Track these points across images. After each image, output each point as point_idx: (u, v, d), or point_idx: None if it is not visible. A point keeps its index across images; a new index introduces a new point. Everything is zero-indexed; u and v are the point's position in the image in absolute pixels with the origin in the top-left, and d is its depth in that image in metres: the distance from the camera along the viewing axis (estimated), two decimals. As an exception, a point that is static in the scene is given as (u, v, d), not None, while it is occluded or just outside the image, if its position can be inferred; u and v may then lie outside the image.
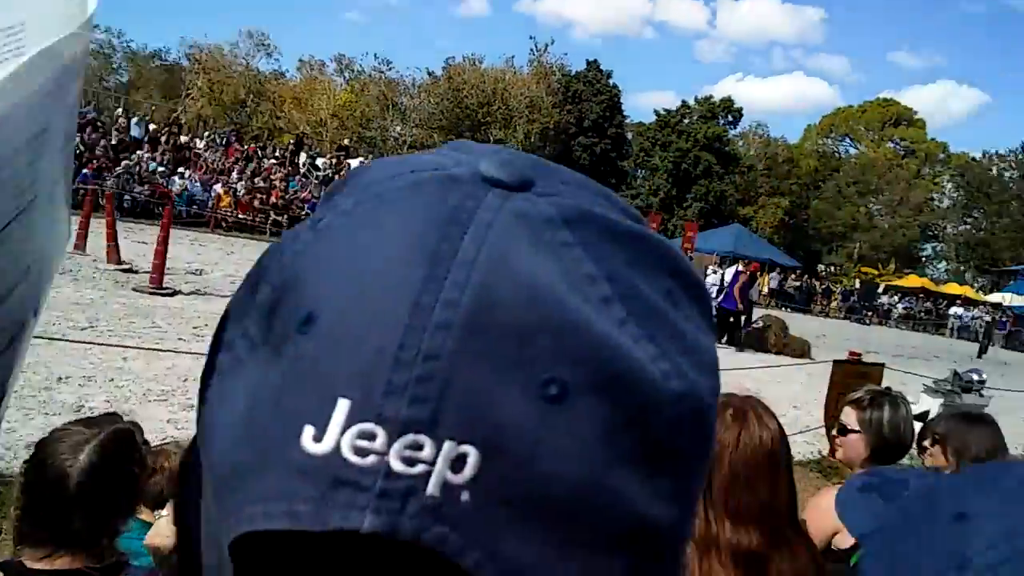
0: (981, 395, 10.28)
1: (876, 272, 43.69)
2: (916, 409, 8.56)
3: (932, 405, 9.77)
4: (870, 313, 33.91)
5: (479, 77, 43.07)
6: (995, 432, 2.49)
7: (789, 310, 28.82)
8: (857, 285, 38.32)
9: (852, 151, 59.91)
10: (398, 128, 45.60)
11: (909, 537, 0.56)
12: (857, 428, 2.41)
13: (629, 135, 51.17)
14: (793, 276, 34.95)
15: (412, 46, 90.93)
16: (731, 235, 35.74)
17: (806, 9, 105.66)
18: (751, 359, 13.26)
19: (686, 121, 48.71)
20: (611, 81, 47.39)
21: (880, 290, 37.09)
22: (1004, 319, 33.30)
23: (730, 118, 50.89)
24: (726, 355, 13.62)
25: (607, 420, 0.29)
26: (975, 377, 10.44)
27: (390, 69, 46.59)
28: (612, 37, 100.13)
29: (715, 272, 29.10)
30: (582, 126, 45.82)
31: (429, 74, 45.49)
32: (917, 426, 2.87)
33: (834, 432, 2.61)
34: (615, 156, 47.76)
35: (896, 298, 36.60)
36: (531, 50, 46.52)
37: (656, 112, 50.65)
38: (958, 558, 0.51)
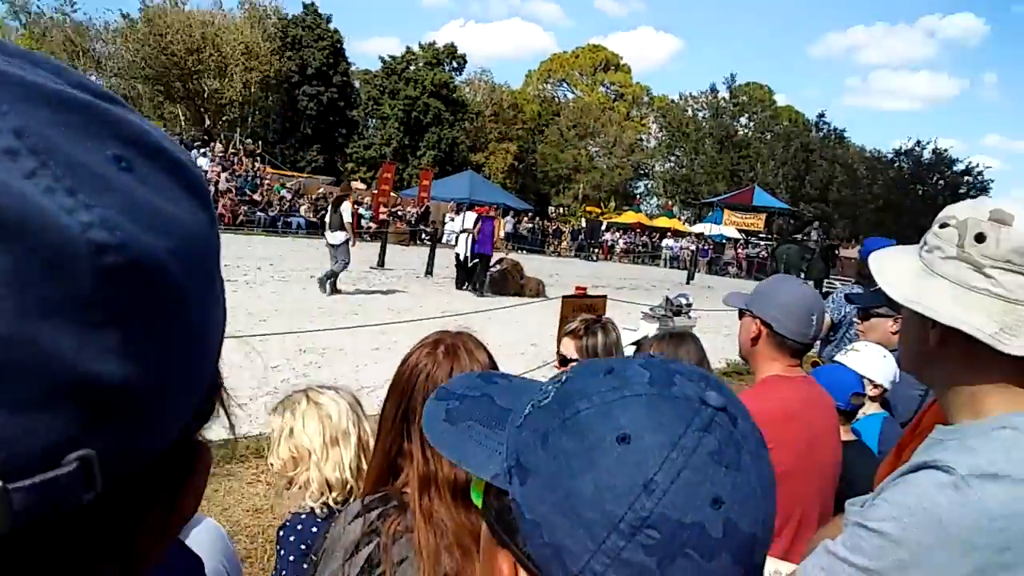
0: (689, 317, 11.10)
1: (599, 211, 46.75)
2: (637, 335, 8.88)
3: (649, 329, 10.33)
4: (596, 250, 36.14)
5: (184, 21, 38.81)
6: (699, 347, 2.71)
7: (525, 252, 29.77)
8: (583, 224, 40.67)
9: (570, 96, 63.27)
10: (93, 78, 40.08)
11: (581, 473, 0.54)
12: (576, 356, 2.55)
13: (356, 83, 49.58)
14: (526, 219, 36.17)
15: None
16: (465, 182, 36.13)
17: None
18: (492, 301, 13.35)
19: (412, 68, 48.09)
20: (331, 26, 45.31)
21: (604, 227, 39.67)
22: (706, 247, 37.20)
23: (455, 64, 51.10)
24: (468, 299, 13.71)
25: (10, 270, 0.28)
26: (683, 301, 11.25)
27: (75, 11, 40.73)
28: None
29: (452, 219, 29.32)
30: (305, 74, 43.47)
31: (124, 17, 40.31)
32: (630, 349, 3.22)
33: (557, 363, 2.73)
34: (343, 105, 46.03)
35: (618, 234, 39.34)
36: (240, -9, 42.95)
37: (382, 59, 49.60)
38: (642, 481, 0.52)
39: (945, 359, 1.16)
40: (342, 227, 12.52)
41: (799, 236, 19.77)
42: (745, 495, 0.53)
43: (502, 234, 29.07)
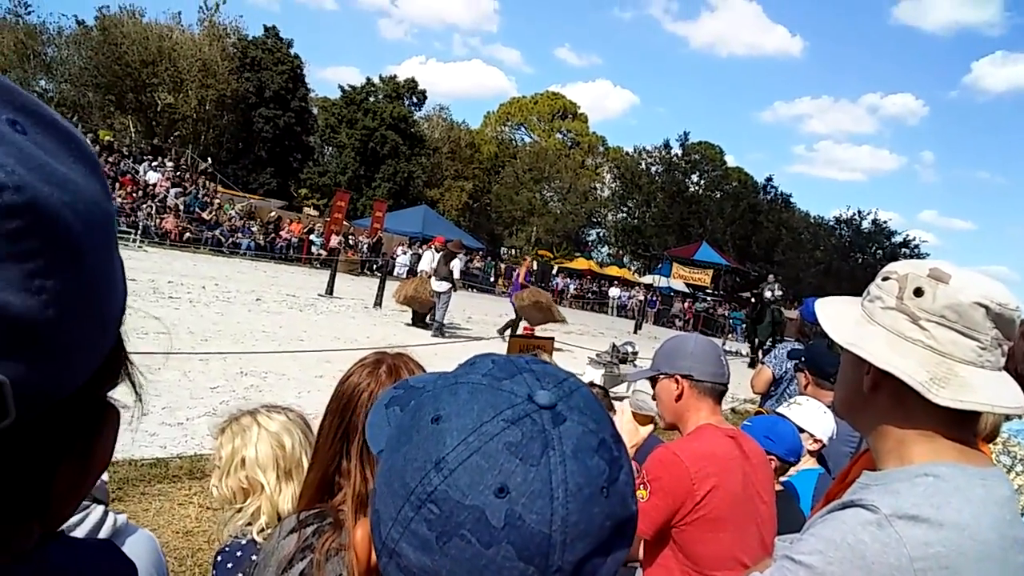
0: (635, 365, 11.26)
1: (551, 255, 47.15)
2: (583, 379, 9.02)
3: (595, 375, 10.47)
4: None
5: (141, 32, 38.24)
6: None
7: (474, 291, 29.78)
8: (535, 267, 40.91)
9: (527, 139, 64.05)
10: (43, 82, 39.23)
11: (401, 447, 0.58)
12: None
13: (315, 109, 49.41)
14: (478, 257, 36.28)
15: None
16: (419, 216, 36.15)
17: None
18: (438, 337, 13.31)
19: (372, 99, 48.19)
20: (292, 51, 45.10)
21: (554, 272, 39.96)
22: (654, 298, 37.69)
23: (415, 100, 51.36)
24: (416, 332, 13.57)
25: None
26: (629, 349, 11.41)
27: (29, 13, 39.84)
28: (290, 3, 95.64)
29: (404, 253, 29.23)
30: (263, 96, 43.10)
31: (79, 23, 39.56)
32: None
33: None
34: (300, 130, 45.73)
35: (568, 279, 39.65)
36: (201, 8, 42.30)
37: (341, 88, 49.57)
38: (435, 458, 0.54)
39: (876, 404, 1.22)
40: (447, 278, 14.05)
41: (754, 292, 19.61)
42: (536, 491, 0.52)
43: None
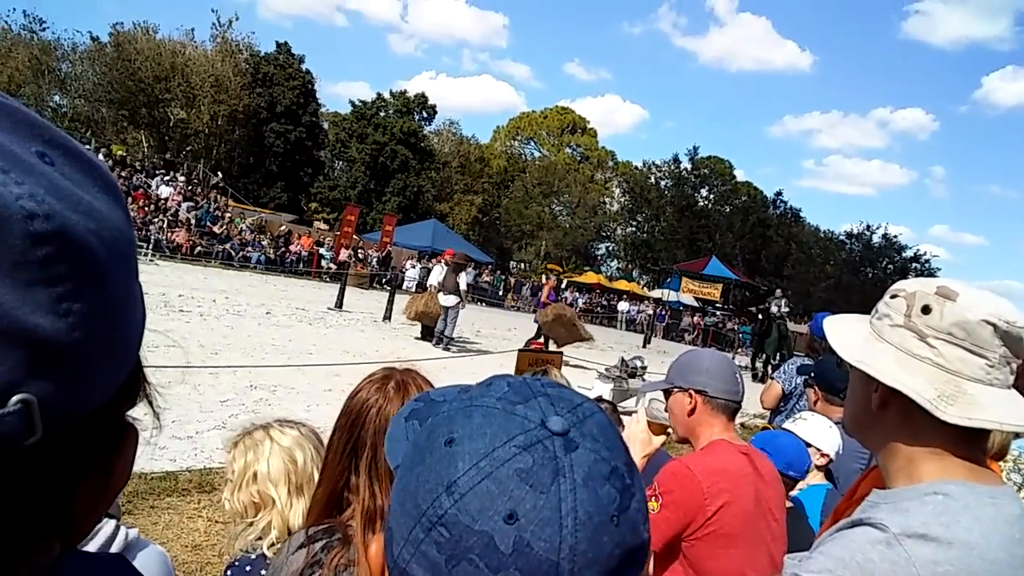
0: (644, 379, 11.20)
1: (560, 269, 47.16)
2: (592, 394, 8.97)
3: (604, 389, 10.44)
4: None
5: (154, 48, 38.63)
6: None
7: (484, 304, 29.80)
8: (543, 281, 40.89)
9: (536, 154, 64.20)
10: (57, 98, 39.64)
11: (415, 467, 0.58)
12: None
13: (325, 124, 49.72)
14: (487, 271, 36.30)
15: (72, 7, 78.77)
16: (429, 230, 36.24)
17: (490, 14, 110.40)
18: (445, 351, 13.33)
19: (382, 114, 48.49)
20: (304, 66, 45.46)
21: (563, 286, 39.93)
22: (663, 312, 37.59)
23: (424, 114, 51.66)
24: (425, 347, 13.58)
25: None
26: (639, 364, 11.36)
27: (44, 29, 40.31)
28: (302, 20, 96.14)
29: (414, 267, 29.31)
30: (275, 111, 43.39)
31: (93, 40, 39.96)
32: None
33: None
34: (311, 145, 46.02)
35: (577, 293, 39.62)
36: (214, 24, 42.71)
37: (352, 103, 49.92)
38: (447, 481, 0.54)
39: (885, 422, 1.22)
40: (455, 292, 13.89)
41: (760, 307, 19.40)
42: (545, 519, 0.52)
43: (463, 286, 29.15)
